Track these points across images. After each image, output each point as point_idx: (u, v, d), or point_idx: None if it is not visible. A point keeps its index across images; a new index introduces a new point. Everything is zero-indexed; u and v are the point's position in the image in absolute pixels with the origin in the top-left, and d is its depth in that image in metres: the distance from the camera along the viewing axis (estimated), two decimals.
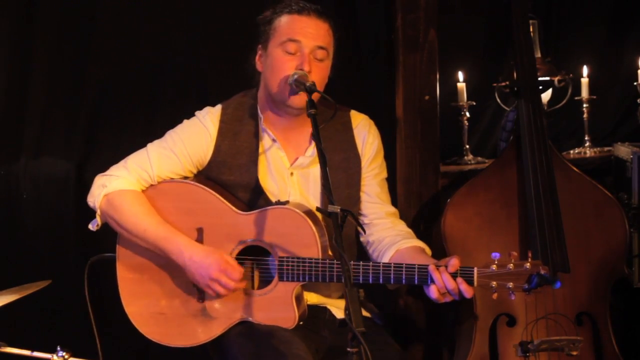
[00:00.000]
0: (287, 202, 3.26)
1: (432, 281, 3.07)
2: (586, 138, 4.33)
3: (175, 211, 3.29)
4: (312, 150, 3.36)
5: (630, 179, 3.94)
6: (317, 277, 3.16)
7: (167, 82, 4.24)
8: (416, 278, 3.09)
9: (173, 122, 3.44)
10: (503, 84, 4.02)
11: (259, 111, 3.38)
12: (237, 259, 3.23)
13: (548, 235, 3.54)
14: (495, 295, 3.08)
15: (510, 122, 3.81)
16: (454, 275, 3.07)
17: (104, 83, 4.18)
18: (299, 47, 3.25)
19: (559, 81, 4.17)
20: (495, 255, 3.05)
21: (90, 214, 3.35)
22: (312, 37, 3.25)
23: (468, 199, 3.66)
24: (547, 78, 4.15)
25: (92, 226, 3.36)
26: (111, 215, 3.29)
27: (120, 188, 3.29)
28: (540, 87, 3.88)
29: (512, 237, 3.61)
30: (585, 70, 4.29)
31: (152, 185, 3.33)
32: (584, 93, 4.29)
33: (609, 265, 3.64)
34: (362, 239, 3.43)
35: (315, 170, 3.37)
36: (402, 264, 3.11)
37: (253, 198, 3.31)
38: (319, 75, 3.26)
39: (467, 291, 3.06)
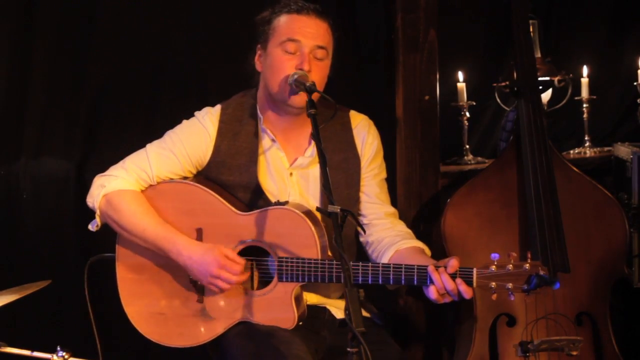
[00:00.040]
0: (286, 203, 3.25)
1: (432, 282, 3.07)
2: (586, 138, 4.33)
3: (174, 212, 3.29)
4: (311, 150, 3.36)
5: (630, 179, 3.94)
6: (316, 277, 3.15)
7: (167, 82, 4.24)
8: (415, 279, 3.09)
9: (173, 122, 3.44)
10: (503, 84, 4.02)
11: (258, 111, 3.38)
12: None
13: (548, 236, 3.54)
14: (494, 296, 3.08)
15: (510, 122, 3.81)
16: (453, 276, 3.07)
17: (104, 83, 4.19)
18: (299, 46, 3.25)
19: (559, 81, 4.17)
20: (495, 256, 3.05)
21: (90, 214, 3.35)
22: (311, 36, 3.25)
23: (468, 199, 3.66)
24: (547, 78, 4.15)
25: (92, 227, 3.36)
26: (110, 216, 3.29)
27: (119, 188, 3.29)
28: (540, 87, 3.88)
29: (512, 237, 3.61)
30: (585, 70, 4.29)
31: (151, 185, 3.33)
32: (584, 93, 4.29)
33: (609, 265, 3.64)
34: (361, 239, 3.43)
35: (315, 170, 3.37)
36: (402, 264, 3.11)
37: (252, 198, 3.31)
38: (318, 74, 3.26)
39: (466, 292, 3.06)
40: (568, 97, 4.29)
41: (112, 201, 3.28)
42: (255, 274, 3.26)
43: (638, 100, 4.22)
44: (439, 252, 3.51)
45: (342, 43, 3.40)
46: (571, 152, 4.31)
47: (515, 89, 3.75)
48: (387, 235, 3.36)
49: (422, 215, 4.00)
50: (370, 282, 3.11)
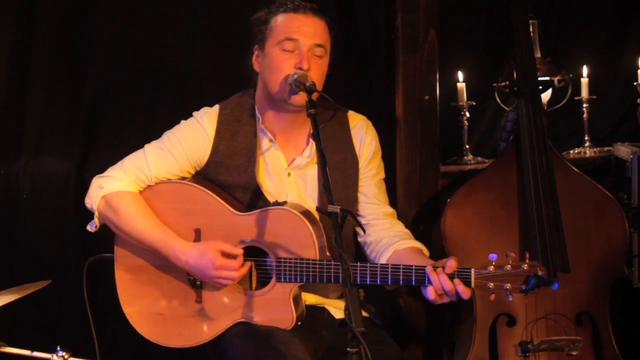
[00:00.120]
0: (284, 203, 3.25)
1: (429, 282, 3.06)
2: (586, 138, 4.33)
3: (172, 212, 3.29)
4: (309, 151, 3.36)
5: (630, 179, 3.94)
6: (314, 277, 3.15)
7: (167, 82, 4.24)
8: (413, 279, 3.09)
9: (173, 122, 3.44)
10: (503, 84, 4.02)
11: (257, 111, 3.38)
12: None
13: (548, 236, 3.54)
14: (492, 297, 3.07)
15: (510, 122, 3.81)
16: (451, 277, 3.06)
17: (103, 83, 4.19)
18: (297, 45, 3.25)
19: (559, 81, 4.17)
20: (493, 256, 3.05)
21: (90, 214, 3.35)
22: (309, 35, 3.25)
23: (468, 199, 3.67)
24: (547, 78, 4.15)
25: (91, 227, 3.36)
26: (109, 217, 3.29)
27: (118, 189, 3.29)
28: (540, 87, 3.89)
29: (512, 237, 3.62)
30: (585, 70, 4.30)
31: (149, 186, 3.32)
32: (584, 93, 4.29)
33: (609, 265, 3.64)
34: (359, 239, 3.43)
35: (312, 171, 3.37)
36: (400, 265, 3.10)
37: (251, 198, 3.31)
38: (318, 72, 3.26)
39: (465, 292, 3.06)
40: (568, 97, 4.29)
41: (110, 203, 3.28)
42: (254, 274, 3.26)
43: (638, 100, 4.22)
44: (439, 252, 3.51)
45: (342, 43, 3.40)
46: (571, 152, 4.31)
47: (515, 89, 3.75)
48: (386, 236, 3.36)
49: (422, 215, 4.00)
50: (368, 282, 3.11)
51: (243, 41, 3.43)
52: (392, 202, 3.59)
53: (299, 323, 3.22)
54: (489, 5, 4.38)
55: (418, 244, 3.35)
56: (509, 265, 3.05)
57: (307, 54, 3.24)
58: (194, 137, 3.35)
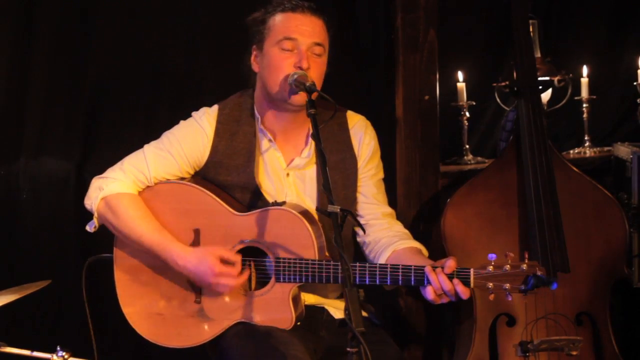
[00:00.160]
0: (284, 203, 3.25)
1: (429, 282, 3.06)
2: (586, 138, 4.33)
3: (171, 213, 3.29)
4: (307, 151, 3.36)
5: (630, 179, 3.94)
6: (313, 277, 3.15)
7: (167, 82, 4.24)
8: (412, 279, 3.08)
9: (173, 122, 3.43)
10: (503, 84, 4.02)
11: (256, 111, 3.38)
12: None
13: (548, 236, 3.54)
14: (492, 296, 3.07)
15: (510, 122, 3.81)
16: (450, 277, 3.06)
17: (103, 83, 4.18)
18: (296, 44, 3.25)
19: (559, 81, 4.17)
20: (492, 256, 3.05)
21: (90, 213, 3.35)
22: (308, 34, 3.25)
23: (468, 199, 3.67)
24: (547, 78, 4.15)
25: (90, 228, 3.36)
26: (108, 219, 3.29)
27: (117, 191, 3.28)
28: (540, 87, 3.89)
29: (512, 237, 3.62)
30: (585, 70, 4.30)
31: (148, 186, 3.33)
32: (584, 93, 4.29)
33: (609, 265, 3.64)
34: (358, 239, 3.43)
35: (311, 171, 3.37)
36: (399, 265, 3.10)
37: (250, 199, 3.31)
38: (317, 71, 3.26)
39: (464, 292, 3.05)
40: (568, 97, 4.29)
41: (110, 205, 3.28)
42: (253, 274, 3.26)
43: (638, 100, 4.22)
44: (439, 252, 3.51)
45: (342, 43, 3.40)
46: (571, 152, 4.31)
47: (515, 89, 3.76)
48: (385, 236, 3.36)
49: (422, 215, 4.00)
50: (367, 282, 3.11)
51: (243, 41, 3.42)
52: (392, 202, 3.59)
53: (299, 323, 3.22)
54: (489, 5, 4.39)
55: (417, 244, 3.35)
56: (508, 265, 3.05)
57: (306, 53, 3.24)
58: (193, 137, 3.34)
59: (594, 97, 4.29)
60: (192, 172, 3.37)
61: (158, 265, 3.29)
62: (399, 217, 3.53)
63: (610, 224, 3.66)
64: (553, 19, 4.50)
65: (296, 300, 3.22)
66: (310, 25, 3.26)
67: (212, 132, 3.35)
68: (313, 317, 3.35)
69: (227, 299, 3.25)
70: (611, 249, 3.64)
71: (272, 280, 3.20)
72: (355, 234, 3.43)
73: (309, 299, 3.36)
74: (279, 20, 3.28)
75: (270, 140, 3.36)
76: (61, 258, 4.13)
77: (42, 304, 4.00)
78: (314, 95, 3.14)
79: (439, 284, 3.05)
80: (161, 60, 4.21)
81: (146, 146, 3.37)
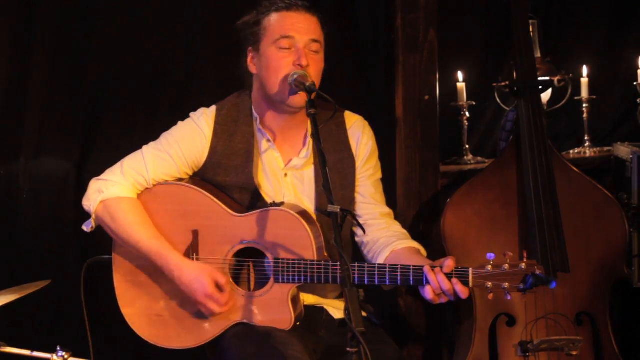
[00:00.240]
0: (282, 204, 3.25)
1: (427, 282, 3.06)
2: (586, 138, 4.33)
3: (170, 214, 3.29)
4: (306, 152, 3.36)
5: (630, 179, 3.94)
6: (312, 278, 3.15)
7: (167, 82, 4.24)
8: (411, 279, 3.08)
9: (173, 122, 3.43)
10: (503, 84, 4.01)
11: (254, 111, 3.38)
12: (232, 260, 3.24)
13: (548, 236, 3.54)
14: (491, 296, 3.07)
15: (510, 122, 3.81)
16: (449, 276, 3.06)
17: (103, 83, 4.18)
18: (293, 42, 3.25)
19: (559, 81, 4.17)
20: (491, 255, 3.04)
21: (88, 214, 3.35)
22: (304, 31, 3.25)
23: (468, 198, 3.67)
24: (547, 78, 4.15)
25: (87, 227, 3.36)
26: (106, 222, 3.29)
27: (117, 195, 3.28)
28: (540, 87, 3.88)
29: (512, 237, 3.62)
30: (585, 70, 4.30)
31: (147, 188, 3.33)
32: (584, 93, 4.29)
33: (609, 265, 3.64)
34: (357, 239, 3.42)
35: (309, 172, 3.37)
36: (397, 265, 3.10)
37: (249, 199, 3.31)
38: (316, 68, 3.26)
39: (463, 292, 3.05)
40: (568, 97, 4.29)
41: (109, 208, 3.28)
42: (252, 275, 3.26)
43: (638, 100, 4.22)
44: (439, 252, 3.51)
45: (342, 43, 3.40)
46: (571, 152, 4.31)
47: (515, 89, 3.76)
48: (383, 236, 3.35)
49: (421, 215, 4.00)
50: (366, 282, 3.11)
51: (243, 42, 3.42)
52: (392, 202, 3.58)
53: (298, 323, 3.22)
54: (489, 5, 4.39)
55: (415, 244, 3.34)
56: (507, 265, 3.05)
57: (304, 50, 3.24)
58: (191, 138, 3.34)
59: (594, 97, 4.29)
60: (190, 173, 3.37)
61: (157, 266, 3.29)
62: (399, 217, 3.54)
63: (610, 224, 3.66)
64: (553, 19, 4.50)
65: (295, 300, 3.22)
66: (305, 22, 3.27)
67: (210, 132, 3.34)
68: (312, 317, 3.34)
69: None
70: (611, 249, 3.64)
71: (271, 280, 3.20)
72: (353, 234, 3.43)
73: (308, 299, 3.36)
74: (275, 20, 3.28)
75: (269, 141, 3.36)
76: (61, 258, 4.13)
77: (41, 304, 4.00)
78: (314, 95, 3.14)
79: (438, 284, 3.05)
80: (161, 60, 4.21)
81: (145, 147, 3.36)
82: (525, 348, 3.48)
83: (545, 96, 4.21)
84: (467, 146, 4.31)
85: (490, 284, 3.05)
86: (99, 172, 3.38)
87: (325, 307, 3.40)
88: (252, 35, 3.32)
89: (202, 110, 3.40)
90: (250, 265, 3.26)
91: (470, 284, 3.07)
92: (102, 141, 4.18)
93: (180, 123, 3.40)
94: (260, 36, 3.29)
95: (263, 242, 3.20)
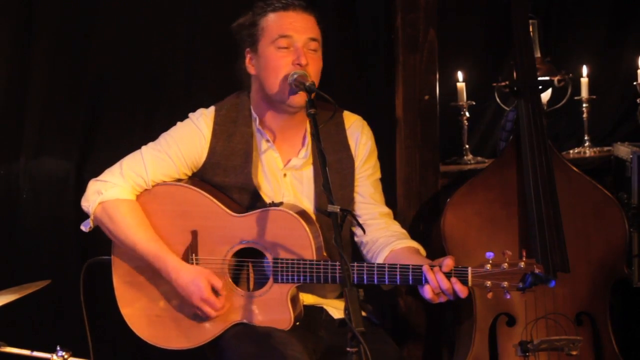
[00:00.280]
0: (281, 204, 3.25)
1: (426, 281, 3.06)
2: (586, 138, 4.33)
3: (169, 214, 3.28)
4: (305, 152, 3.36)
5: (630, 178, 3.94)
6: (311, 278, 3.15)
7: (167, 82, 4.24)
8: (410, 278, 3.08)
9: (173, 122, 3.43)
10: (503, 84, 4.01)
11: (253, 112, 3.38)
12: (231, 260, 3.24)
13: (548, 235, 3.54)
14: (490, 295, 3.07)
15: (510, 122, 3.81)
16: (448, 275, 3.06)
17: (103, 83, 4.18)
18: (292, 41, 3.25)
19: (559, 81, 4.17)
20: (490, 254, 3.04)
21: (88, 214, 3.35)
22: (302, 30, 3.25)
23: (468, 198, 3.67)
24: (547, 78, 4.15)
25: (85, 227, 3.36)
26: (105, 224, 3.29)
27: (116, 197, 3.28)
28: (540, 87, 3.89)
29: (512, 237, 3.62)
30: (585, 70, 4.30)
31: (146, 189, 3.33)
32: (584, 93, 4.29)
33: (609, 265, 3.64)
34: (356, 239, 3.42)
35: (308, 172, 3.36)
36: (396, 264, 3.10)
37: (248, 199, 3.31)
38: (315, 66, 3.26)
39: (462, 291, 3.05)
40: (568, 97, 4.29)
41: (108, 210, 3.28)
42: (251, 275, 3.26)
43: (638, 100, 4.22)
44: (439, 252, 3.51)
45: (342, 43, 3.40)
46: (571, 152, 4.31)
47: (515, 88, 3.76)
48: (382, 236, 3.35)
49: (421, 215, 4.00)
50: (365, 282, 3.11)
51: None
52: (392, 202, 3.58)
53: (297, 323, 3.22)
54: (489, 5, 4.39)
55: (415, 244, 3.34)
56: (506, 264, 3.04)
57: (303, 50, 3.24)
58: (190, 138, 3.34)
59: (594, 97, 4.29)
60: (189, 173, 3.37)
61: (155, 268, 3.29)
62: (399, 217, 3.53)
63: (610, 224, 3.66)
64: (553, 19, 4.50)
65: (294, 300, 3.22)
66: (303, 21, 3.27)
67: (209, 133, 3.34)
68: (312, 317, 3.34)
69: (225, 300, 3.24)
70: (611, 248, 3.64)
71: (270, 280, 3.20)
72: (352, 234, 3.43)
73: (307, 299, 3.36)
74: (272, 20, 3.28)
75: (268, 141, 3.36)
76: (61, 258, 4.13)
77: (41, 304, 4.00)
78: (314, 95, 3.14)
79: (437, 283, 3.05)
80: (161, 60, 4.21)
81: (144, 148, 3.36)
82: (525, 348, 3.48)
83: (545, 96, 4.21)
84: (467, 146, 4.31)
85: (489, 283, 3.05)
86: (98, 172, 3.38)
87: (325, 307, 3.40)
88: (250, 36, 3.31)
89: (200, 110, 3.40)
90: (249, 265, 3.26)
91: (469, 283, 3.06)
92: (102, 141, 4.18)
93: (179, 124, 3.40)
94: (257, 37, 3.29)
95: (262, 242, 3.20)
